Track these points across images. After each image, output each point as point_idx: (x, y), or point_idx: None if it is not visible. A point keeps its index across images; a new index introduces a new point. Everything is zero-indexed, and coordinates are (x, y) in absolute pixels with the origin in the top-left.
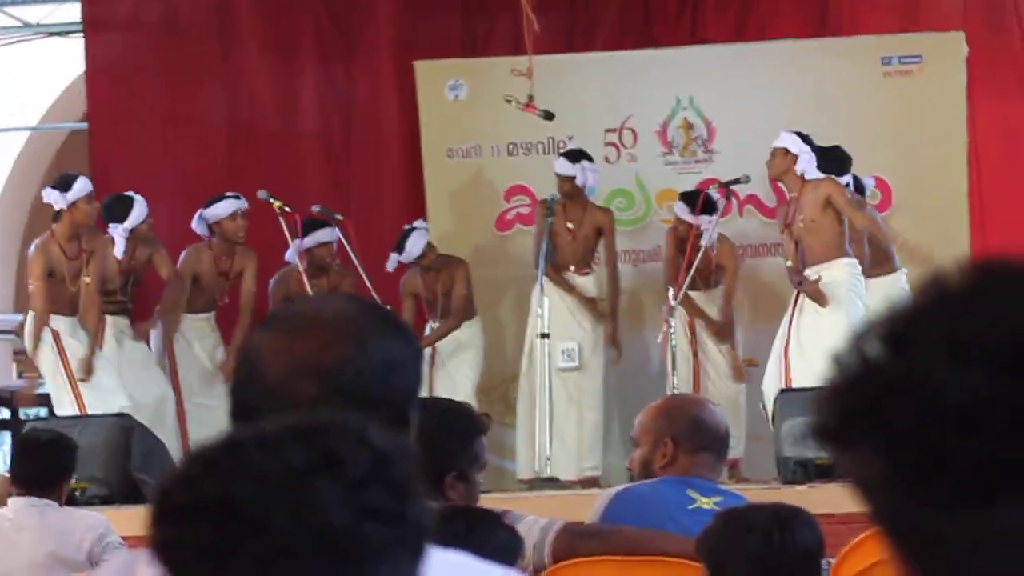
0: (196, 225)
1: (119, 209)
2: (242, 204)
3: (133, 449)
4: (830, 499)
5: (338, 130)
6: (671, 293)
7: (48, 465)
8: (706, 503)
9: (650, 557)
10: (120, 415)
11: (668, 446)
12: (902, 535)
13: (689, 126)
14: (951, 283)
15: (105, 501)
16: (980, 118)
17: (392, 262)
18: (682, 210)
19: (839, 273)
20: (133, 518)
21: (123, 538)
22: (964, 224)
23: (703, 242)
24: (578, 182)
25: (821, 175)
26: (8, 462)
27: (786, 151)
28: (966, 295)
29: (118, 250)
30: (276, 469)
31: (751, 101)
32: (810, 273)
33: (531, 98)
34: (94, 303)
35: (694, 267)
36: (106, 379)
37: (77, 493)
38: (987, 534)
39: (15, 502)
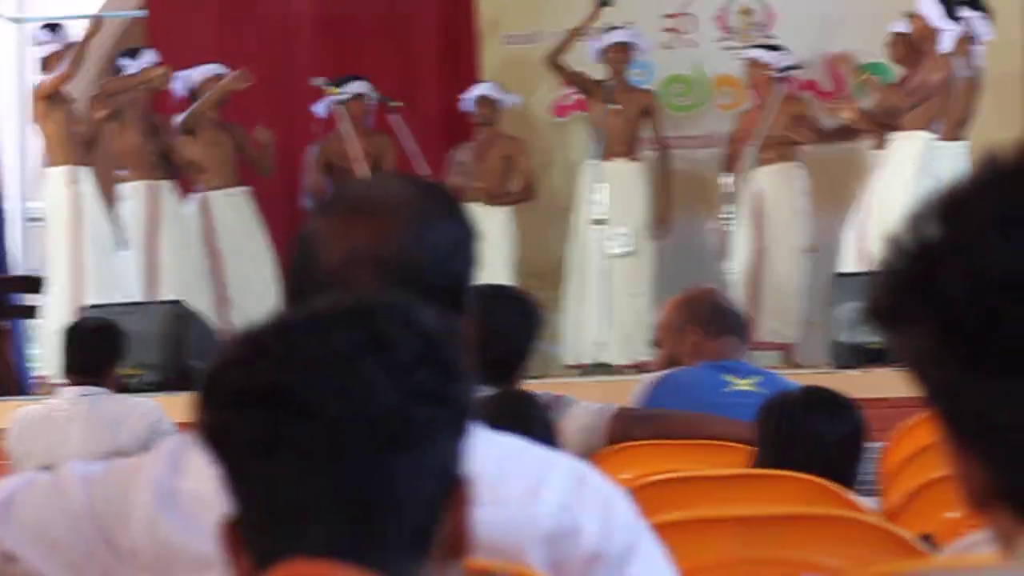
0: (178, 86)
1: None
2: (222, 69)
3: (188, 336)
4: (882, 383)
5: (394, 14)
6: (729, 179)
7: (96, 352)
8: (744, 384)
9: (703, 441)
10: (174, 302)
11: (691, 333)
12: (953, 410)
13: (748, 11)
14: (1003, 161)
15: (159, 387)
16: None
17: (464, 103)
18: (759, 53)
19: (914, 145)
20: (187, 405)
21: (177, 424)
22: (1019, 100)
23: (780, 64)
24: (639, 45)
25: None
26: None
27: (925, 23)
28: (1015, 170)
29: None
30: (325, 354)
31: None
32: (891, 138)
33: None
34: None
35: (768, 119)
36: (117, 259)
37: (132, 380)
38: None
39: (68, 392)
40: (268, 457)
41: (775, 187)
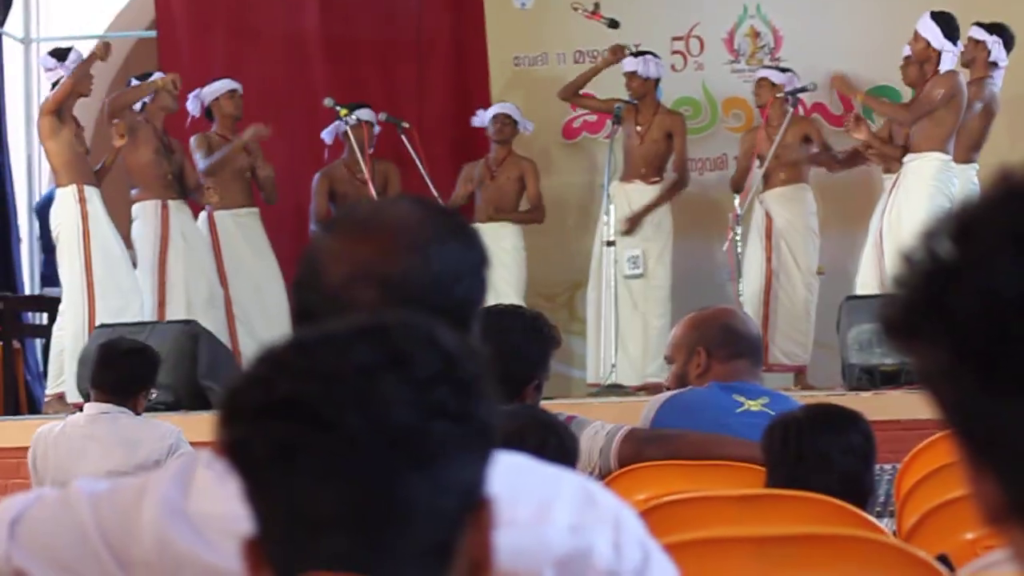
0: (191, 105)
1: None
2: (239, 86)
3: (200, 355)
4: (895, 406)
5: (403, 37)
6: (737, 200)
7: (129, 375)
8: (753, 405)
9: (715, 462)
10: (187, 321)
11: (701, 355)
12: (967, 428)
13: (756, 34)
14: (1015, 178)
15: (171, 407)
16: None
17: (478, 118)
18: (770, 72)
19: (929, 166)
20: (200, 424)
21: (193, 445)
22: None
23: (789, 87)
24: (640, 73)
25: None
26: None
27: (928, 44)
28: None
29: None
30: (345, 368)
31: (818, 9)
32: (906, 160)
33: (597, 6)
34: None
35: (777, 140)
36: (127, 278)
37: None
38: None
39: (90, 408)
40: (287, 469)
41: (784, 209)
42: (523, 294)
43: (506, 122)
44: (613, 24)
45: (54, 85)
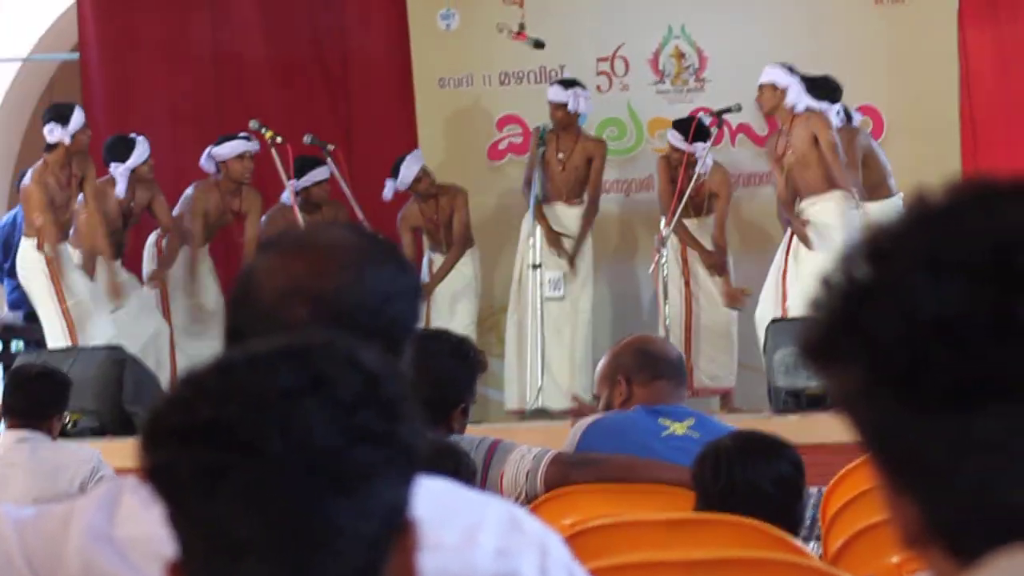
0: (204, 162)
1: (121, 149)
2: (252, 146)
3: (125, 381)
4: (821, 429)
5: (330, 59)
6: (663, 223)
7: (39, 399)
8: (679, 428)
9: (642, 485)
10: (112, 347)
11: (622, 384)
12: (885, 448)
13: (681, 55)
14: (932, 200)
15: (97, 433)
16: (971, 45)
17: (389, 190)
18: (675, 138)
19: (832, 206)
20: (125, 450)
21: (115, 470)
22: (956, 149)
23: (698, 169)
24: (570, 108)
25: (812, 105)
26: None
27: (774, 86)
28: (945, 210)
29: (119, 190)
30: (267, 390)
31: (743, 30)
32: (804, 206)
33: (522, 27)
34: (100, 227)
35: (687, 196)
36: (97, 312)
37: (69, 425)
38: (966, 443)
39: (7, 436)
40: (210, 493)
41: (702, 233)
42: (476, 320)
43: (427, 174)
44: (538, 45)
45: (51, 147)
